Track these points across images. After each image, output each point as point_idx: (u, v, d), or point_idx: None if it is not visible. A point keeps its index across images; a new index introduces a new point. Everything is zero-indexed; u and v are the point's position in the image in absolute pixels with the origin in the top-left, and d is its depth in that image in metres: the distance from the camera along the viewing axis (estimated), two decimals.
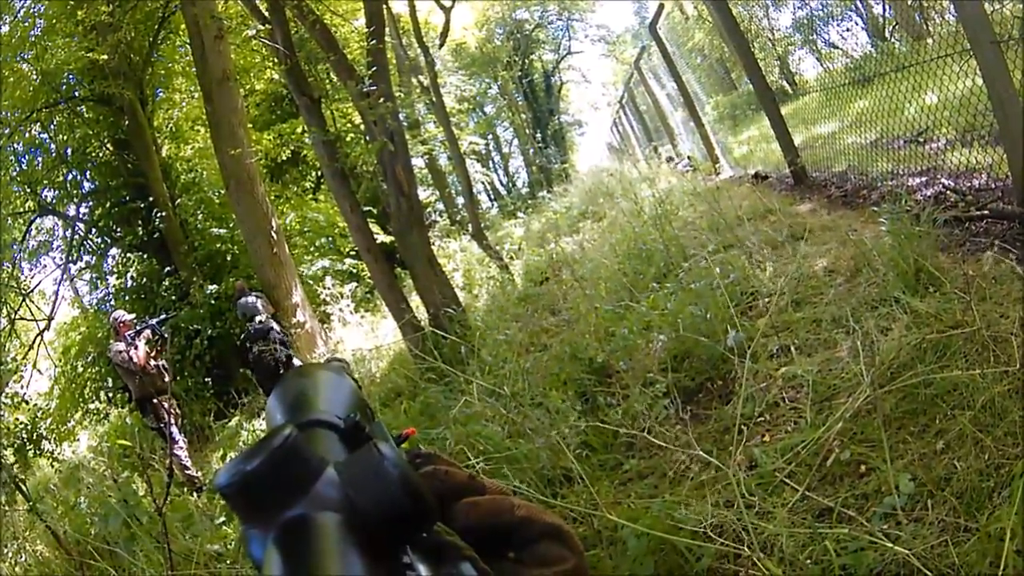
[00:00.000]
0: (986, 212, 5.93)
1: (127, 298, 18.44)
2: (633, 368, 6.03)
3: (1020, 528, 2.67)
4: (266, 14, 10.62)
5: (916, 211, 5.57)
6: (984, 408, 3.59)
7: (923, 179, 7.53)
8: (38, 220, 21.20)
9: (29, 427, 14.63)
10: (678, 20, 37.48)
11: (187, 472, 10.83)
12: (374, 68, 10.31)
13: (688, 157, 19.05)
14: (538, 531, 1.16)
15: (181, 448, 11.16)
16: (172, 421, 11.16)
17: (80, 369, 19.34)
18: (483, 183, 42.71)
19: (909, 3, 9.88)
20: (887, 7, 10.75)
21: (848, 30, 10.34)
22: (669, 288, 7.18)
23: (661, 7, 17.89)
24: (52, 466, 13.21)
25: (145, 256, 18.52)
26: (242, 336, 14.21)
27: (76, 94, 19.06)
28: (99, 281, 20.46)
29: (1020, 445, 3.28)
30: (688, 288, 6.59)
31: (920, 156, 7.92)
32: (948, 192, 6.77)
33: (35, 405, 15.79)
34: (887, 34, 10.77)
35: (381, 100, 9.90)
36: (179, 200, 18.83)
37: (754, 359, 4.94)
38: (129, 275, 19.34)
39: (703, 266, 7.19)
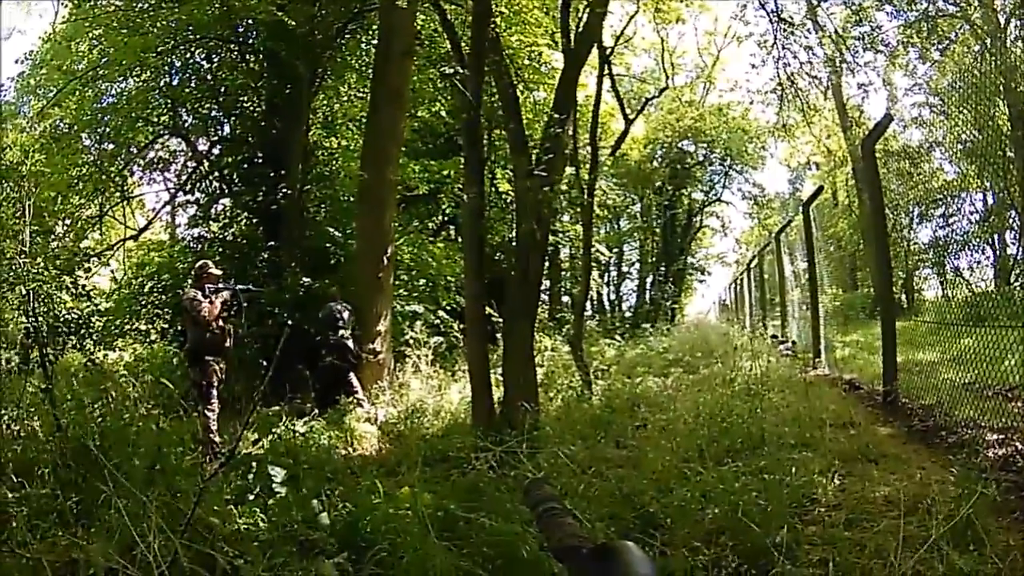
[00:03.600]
0: None
1: (220, 250, 18.38)
2: (680, 530, 6.09)
3: None
4: (465, 59, 10.86)
5: (983, 465, 5.71)
6: None
7: (1000, 436, 7.61)
8: (166, 137, 21.53)
9: (81, 320, 14.55)
10: (827, 202, 37.47)
11: (209, 435, 11.02)
12: (550, 155, 10.46)
13: (793, 342, 19.12)
14: None
15: (212, 411, 11.37)
16: (215, 383, 11.54)
17: (146, 288, 19.55)
18: (594, 292, 42.44)
19: None
20: (1021, 249, 10.72)
21: (978, 263, 10.30)
22: (739, 467, 7.24)
23: (820, 189, 18.05)
24: (86, 365, 13.21)
25: (254, 221, 18.54)
26: (317, 339, 14.49)
27: (251, 42, 19.29)
28: (201, 221, 20.55)
29: None
30: (758, 474, 6.71)
31: (1004, 413, 8.00)
32: (1018, 456, 6.90)
33: (91, 305, 15.75)
34: (1012, 277, 10.74)
35: (544, 188, 10.13)
36: (308, 187, 18.78)
37: (794, 563, 5.13)
38: (231, 231, 19.35)
39: (776, 457, 7.32)
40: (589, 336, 22.70)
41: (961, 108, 9.32)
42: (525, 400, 9.82)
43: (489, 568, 5.44)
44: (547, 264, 27.36)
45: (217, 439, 11.14)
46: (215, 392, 11.54)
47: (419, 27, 17.56)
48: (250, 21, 18.54)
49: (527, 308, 10.83)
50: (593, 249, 20.00)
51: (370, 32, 19.78)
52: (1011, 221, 10.35)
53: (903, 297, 15.04)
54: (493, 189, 21.44)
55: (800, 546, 5.43)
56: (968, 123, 9.23)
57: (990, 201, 10.55)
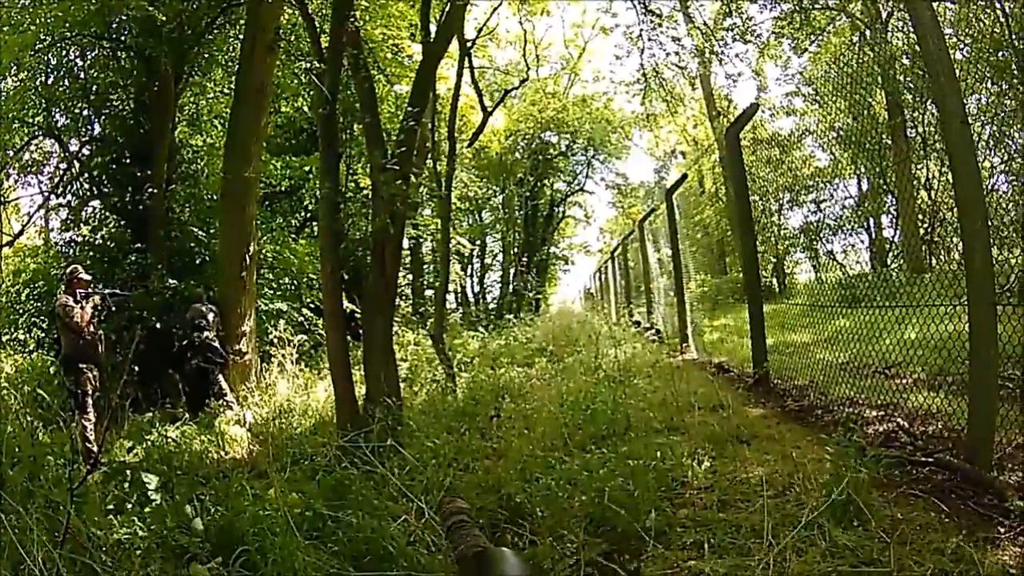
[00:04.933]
0: (931, 460, 5.98)
1: (91, 254, 18.07)
2: (548, 519, 5.99)
3: None
4: (324, 53, 10.66)
5: (863, 443, 5.64)
6: None
7: (880, 413, 7.64)
8: (41, 138, 21.18)
9: None
10: (693, 190, 38.04)
11: (87, 445, 10.81)
12: (403, 148, 10.33)
13: (657, 330, 19.15)
14: None
15: (89, 420, 11.27)
16: (89, 391, 11.45)
17: (23, 297, 19.23)
18: (457, 285, 42.18)
19: (921, 234, 9.98)
20: (897, 232, 10.86)
21: (852, 246, 10.40)
22: (604, 453, 7.16)
23: (684, 176, 18.21)
24: None
25: (123, 223, 18.23)
26: (183, 342, 14.44)
27: (123, 39, 18.87)
28: (72, 225, 20.02)
29: None
30: (623, 459, 6.60)
31: (883, 389, 8.06)
32: (900, 432, 6.88)
33: None
34: (888, 259, 10.86)
35: (398, 181, 9.96)
36: (173, 186, 18.62)
37: (667, 546, 5.05)
38: (101, 234, 18.97)
39: (643, 442, 7.28)
40: (452, 329, 23.07)
41: (836, 97, 9.39)
42: (387, 395, 9.74)
43: (356, 564, 5.36)
44: (409, 258, 27.34)
45: (95, 448, 10.77)
46: (90, 400, 11.47)
47: (285, 21, 17.39)
48: (123, 17, 18.14)
49: (385, 302, 10.75)
50: (454, 241, 20.03)
51: (238, 27, 19.34)
52: (888, 206, 10.49)
53: (775, 281, 15.24)
54: (354, 184, 21.25)
55: (672, 529, 5.38)
56: (843, 111, 9.32)
57: (864, 187, 10.68)
